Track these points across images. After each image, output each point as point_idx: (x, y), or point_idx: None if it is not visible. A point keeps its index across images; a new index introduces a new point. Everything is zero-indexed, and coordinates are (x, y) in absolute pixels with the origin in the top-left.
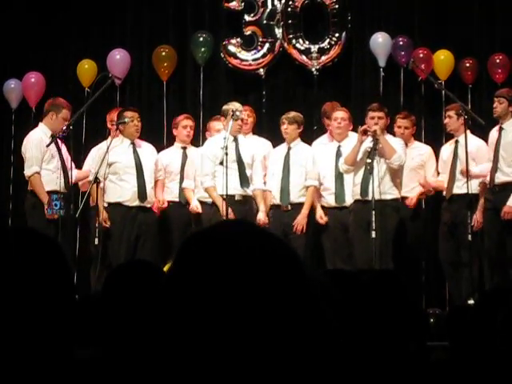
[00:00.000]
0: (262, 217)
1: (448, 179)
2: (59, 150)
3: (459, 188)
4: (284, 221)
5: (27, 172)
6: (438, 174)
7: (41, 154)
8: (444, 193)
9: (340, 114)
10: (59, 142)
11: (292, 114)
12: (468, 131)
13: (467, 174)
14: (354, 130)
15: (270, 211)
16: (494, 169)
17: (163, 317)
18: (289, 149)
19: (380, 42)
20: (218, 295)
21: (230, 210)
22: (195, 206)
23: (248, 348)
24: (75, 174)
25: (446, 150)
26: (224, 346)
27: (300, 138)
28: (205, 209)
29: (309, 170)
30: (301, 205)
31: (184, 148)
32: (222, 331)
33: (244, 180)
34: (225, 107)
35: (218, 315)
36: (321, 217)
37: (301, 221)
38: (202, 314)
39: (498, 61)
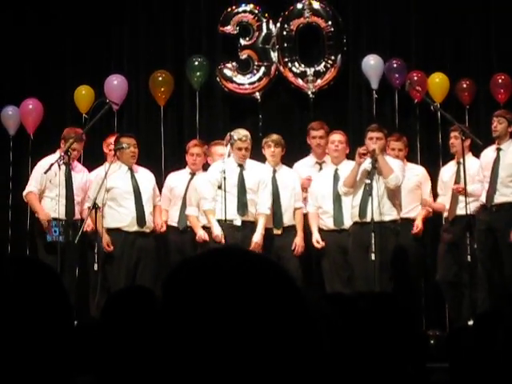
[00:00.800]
0: (256, 238)
1: (451, 201)
2: (68, 177)
3: (460, 209)
4: (276, 244)
5: (24, 192)
6: (435, 195)
7: (42, 179)
8: (445, 214)
9: (337, 137)
10: (71, 168)
11: (275, 136)
12: (470, 153)
13: (465, 193)
14: (352, 152)
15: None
16: (493, 189)
17: (157, 344)
18: (274, 172)
19: (372, 64)
20: (205, 322)
21: (224, 235)
22: (203, 235)
23: (242, 375)
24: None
25: (447, 171)
26: (218, 372)
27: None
28: (211, 236)
29: (296, 191)
30: (292, 227)
31: (192, 174)
32: (215, 357)
33: (241, 206)
34: (235, 135)
35: (209, 342)
36: (317, 241)
37: (300, 242)
38: (193, 342)
39: (500, 81)
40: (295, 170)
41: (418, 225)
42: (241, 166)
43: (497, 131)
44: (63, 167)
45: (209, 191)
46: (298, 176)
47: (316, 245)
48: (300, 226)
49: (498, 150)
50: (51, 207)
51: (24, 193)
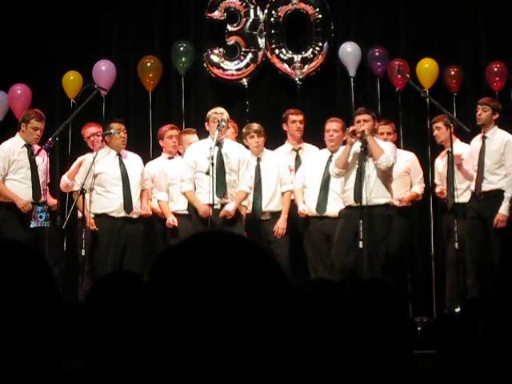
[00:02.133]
0: (229, 207)
1: (447, 190)
2: (32, 160)
3: (457, 198)
4: (265, 229)
5: None
6: (433, 183)
7: (4, 163)
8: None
9: (332, 126)
10: (40, 152)
11: (256, 126)
12: (457, 139)
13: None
14: None
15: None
16: (480, 177)
17: (143, 330)
18: (258, 160)
19: (349, 51)
20: (190, 306)
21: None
22: (171, 220)
23: (227, 358)
24: (63, 182)
25: (440, 162)
26: (204, 355)
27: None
28: (181, 221)
29: (282, 176)
30: (279, 213)
31: (171, 158)
32: (200, 341)
33: (220, 187)
34: (210, 113)
35: (195, 326)
36: (303, 209)
37: (281, 225)
38: (179, 327)
39: (495, 69)
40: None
41: (404, 197)
42: (219, 145)
43: (481, 119)
44: (25, 149)
45: (187, 173)
46: (283, 159)
47: (302, 212)
48: (286, 208)
49: (484, 138)
50: (19, 191)
51: None
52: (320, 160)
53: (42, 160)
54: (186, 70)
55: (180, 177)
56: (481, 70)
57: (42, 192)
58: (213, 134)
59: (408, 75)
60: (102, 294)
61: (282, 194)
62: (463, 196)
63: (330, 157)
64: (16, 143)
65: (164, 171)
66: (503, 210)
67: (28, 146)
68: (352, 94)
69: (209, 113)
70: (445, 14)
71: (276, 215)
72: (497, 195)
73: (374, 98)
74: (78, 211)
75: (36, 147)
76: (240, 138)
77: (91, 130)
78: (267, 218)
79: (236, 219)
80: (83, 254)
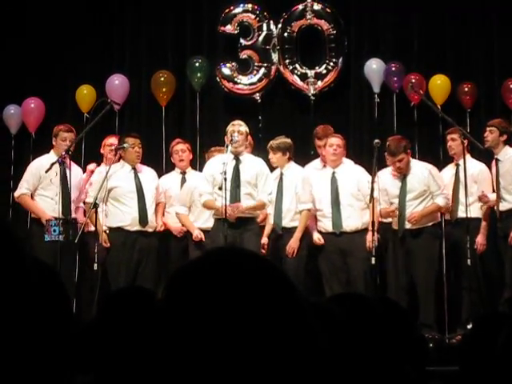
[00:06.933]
0: (242, 203)
1: (452, 203)
2: (63, 175)
3: (463, 212)
4: (278, 244)
5: (15, 193)
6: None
7: (34, 179)
8: (447, 216)
9: (335, 141)
10: (66, 167)
11: (276, 142)
12: (468, 155)
13: (466, 205)
14: (349, 155)
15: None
16: (498, 199)
17: (156, 346)
18: (281, 174)
19: (374, 68)
20: (205, 323)
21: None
22: (199, 234)
23: (238, 377)
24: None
25: (447, 173)
26: (217, 372)
27: (291, 161)
28: (205, 236)
29: (299, 194)
30: (293, 229)
31: (183, 173)
32: (214, 356)
33: (233, 201)
34: (228, 126)
35: (209, 343)
36: (318, 238)
37: (293, 244)
38: (194, 343)
39: (511, 86)
40: (303, 171)
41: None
42: (237, 158)
43: (488, 141)
44: (57, 165)
45: (205, 187)
46: (306, 177)
47: (317, 242)
48: (300, 227)
49: (497, 160)
50: (49, 207)
51: (16, 194)
52: (323, 179)
53: (75, 176)
54: (200, 86)
55: (198, 192)
56: (495, 87)
57: (72, 208)
58: (226, 149)
59: (422, 91)
60: (114, 310)
61: (300, 212)
62: (473, 211)
63: (333, 173)
64: (48, 159)
65: (176, 185)
66: None
67: (61, 162)
68: (376, 109)
69: (228, 127)
70: (458, 29)
71: (289, 230)
72: None
73: (389, 113)
74: (91, 225)
75: (69, 163)
76: (256, 152)
77: (110, 141)
78: (280, 233)
79: (251, 226)
80: (95, 267)
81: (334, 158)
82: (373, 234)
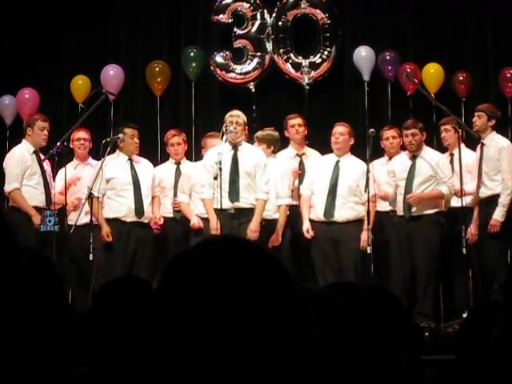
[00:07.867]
0: (252, 226)
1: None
2: (41, 166)
3: (456, 202)
4: (261, 236)
5: (7, 188)
6: None
7: (21, 171)
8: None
9: (339, 129)
10: (42, 158)
11: (263, 133)
12: (463, 145)
13: (461, 194)
14: (356, 144)
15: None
16: (479, 184)
17: (152, 335)
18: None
19: (363, 55)
20: (201, 312)
21: (219, 224)
22: (197, 222)
23: (234, 364)
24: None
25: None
26: (213, 363)
27: (274, 155)
28: (205, 224)
29: (278, 188)
30: (274, 221)
31: (178, 163)
32: (209, 345)
33: (233, 193)
34: (226, 117)
35: (204, 331)
36: (307, 230)
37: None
38: (189, 332)
39: (508, 75)
40: (279, 162)
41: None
42: (235, 147)
43: (476, 126)
44: (34, 156)
45: (206, 178)
46: (285, 170)
47: (306, 234)
48: (280, 222)
49: (482, 145)
50: (33, 196)
51: (8, 189)
52: (326, 165)
53: (47, 165)
54: (196, 75)
55: (200, 182)
56: (489, 75)
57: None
58: (222, 140)
59: (416, 80)
60: (109, 300)
61: (278, 207)
62: (459, 201)
63: (337, 162)
64: (26, 149)
65: (170, 176)
66: (497, 215)
67: (36, 152)
68: (366, 98)
69: (225, 117)
70: (454, 18)
71: (271, 223)
72: (495, 201)
73: (384, 102)
74: (87, 215)
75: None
76: (250, 142)
77: (78, 135)
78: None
79: (249, 217)
80: (91, 258)
81: (337, 147)
82: (368, 224)
